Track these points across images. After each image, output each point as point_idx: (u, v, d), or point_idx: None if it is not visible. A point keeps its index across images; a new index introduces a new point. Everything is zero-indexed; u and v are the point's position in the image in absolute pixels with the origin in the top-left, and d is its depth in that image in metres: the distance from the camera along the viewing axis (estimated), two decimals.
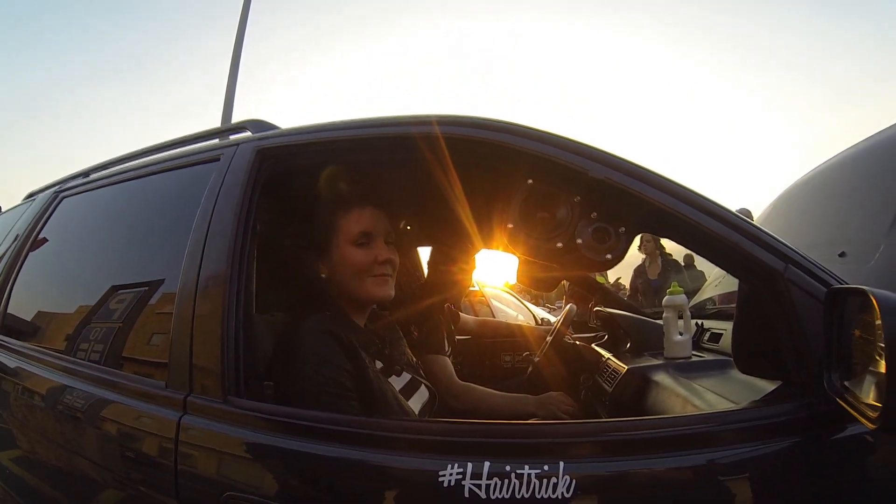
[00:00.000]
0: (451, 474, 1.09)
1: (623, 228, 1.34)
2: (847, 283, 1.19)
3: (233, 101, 10.63)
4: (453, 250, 2.75)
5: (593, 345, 3.02)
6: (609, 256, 1.34)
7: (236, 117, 9.99)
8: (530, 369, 3.05)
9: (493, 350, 3.57)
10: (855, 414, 1.04)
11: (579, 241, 1.34)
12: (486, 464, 1.09)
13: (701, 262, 6.50)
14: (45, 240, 2.42)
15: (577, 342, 3.18)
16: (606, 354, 2.63)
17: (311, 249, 1.68)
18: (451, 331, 2.90)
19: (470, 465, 1.09)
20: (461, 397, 2.32)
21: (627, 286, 6.86)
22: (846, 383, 1.10)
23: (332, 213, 1.68)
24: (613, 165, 1.29)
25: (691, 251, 1.46)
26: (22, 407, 2.01)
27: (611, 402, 2.23)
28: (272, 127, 1.79)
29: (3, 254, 2.53)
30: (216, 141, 1.97)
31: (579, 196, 1.34)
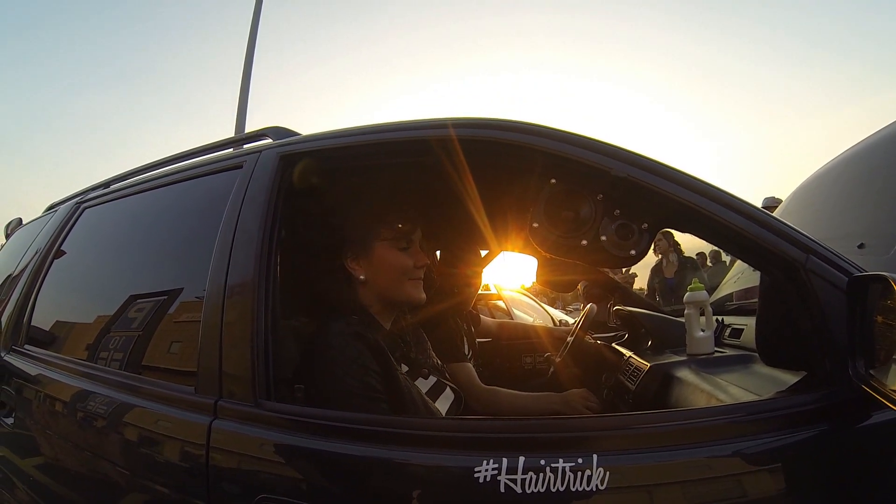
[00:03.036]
0: (486, 470, 1.10)
1: (646, 225, 1.35)
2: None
3: (246, 108, 10.69)
4: (466, 253, 2.77)
5: (614, 344, 3.01)
6: (633, 252, 1.36)
7: (249, 125, 10.04)
8: (552, 370, 3.05)
9: (514, 352, 3.58)
10: (882, 400, 1.04)
11: (603, 238, 1.35)
12: (521, 459, 1.09)
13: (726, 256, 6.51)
14: (67, 251, 2.44)
15: (598, 342, 3.18)
16: (628, 353, 2.63)
17: (346, 252, 1.70)
18: (472, 334, 2.90)
19: (505, 461, 1.10)
20: (485, 401, 2.32)
21: (644, 286, 6.86)
22: (871, 371, 1.11)
23: (375, 217, 1.70)
24: (634, 163, 1.31)
25: (713, 245, 1.48)
26: (49, 414, 2.03)
27: (634, 400, 2.23)
28: (293, 133, 1.80)
29: (27, 265, 2.55)
30: (231, 150, 1.99)
31: (602, 194, 1.36)
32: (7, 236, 3.48)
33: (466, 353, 2.59)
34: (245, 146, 1.91)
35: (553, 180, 1.39)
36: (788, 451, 1.15)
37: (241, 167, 1.72)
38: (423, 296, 1.75)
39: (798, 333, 1.26)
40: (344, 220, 1.72)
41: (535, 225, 1.39)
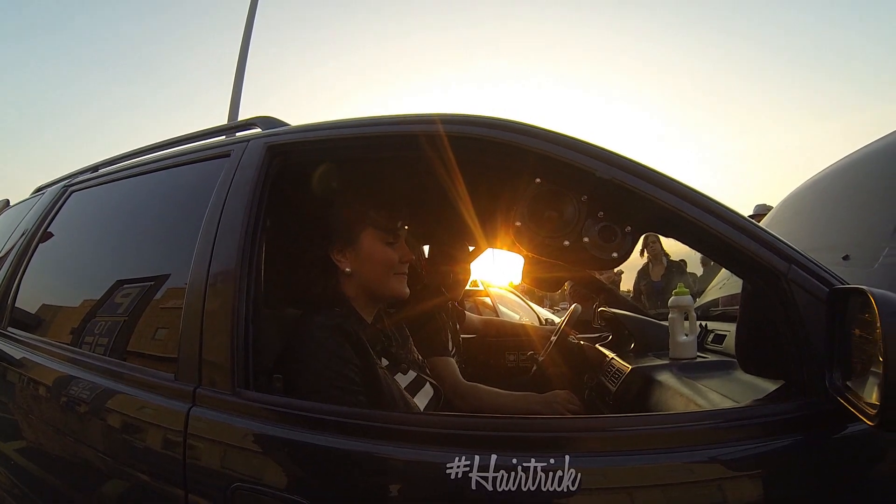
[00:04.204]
0: (458, 467, 1.10)
1: (629, 228, 1.35)
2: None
3: (239, 98, 10.64)
4: (454, 249, 2.77)
5: (597, 345, 3.02)
6: (615, 255, 1.36)
7: (242, 115, 9.99)
8: (534, 369, 3.05)
9: (498, 349, 3.57)
10: (855, 412, 1.05)
11: (586, 239, 1.35)
12: (493, 457, 1.10)
13: (693, 266, 6.52)
14: (53, 234, 2.43)
15: (582, 342, 3.18)
16: (610, 354, 2.64)
17: (332, 244, 1.70)
18: (456, 330, 2.91)
19: (477, 458, 1.10)
20: (466, 397, 2.32)
21: (631, 287, 6.85)
22: (847, 383, 1.11)
23: (362, 211, 1.70)
24: (620, 165, 1.31)
25: (696, 251, 1.48)
26: (30, 398, 2.02)
27: (615, 401, 2.24)
28: (282, 124, 1.80)
29: (12, 247, 2.54)
30: (223, 137, 1.99)
31: (586, 195, 1.36)
32: None
33: (450, 349, 2.59)
34: (237, 134, 1.90)
35: (538, 180, 1.39)
36: (764, 460, 1.16)
37: (228, 156, 1.71)
38: (407, 291, 1.76)
39: (777, 342, 1.26)
40: (331, 211, 1.72)
41: (518, 224, 1.39)
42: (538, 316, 7.94)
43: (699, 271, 6.79)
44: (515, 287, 8.87)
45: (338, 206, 1.73)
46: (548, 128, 1.36)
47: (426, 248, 2.92)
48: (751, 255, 1.24)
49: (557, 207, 1.39)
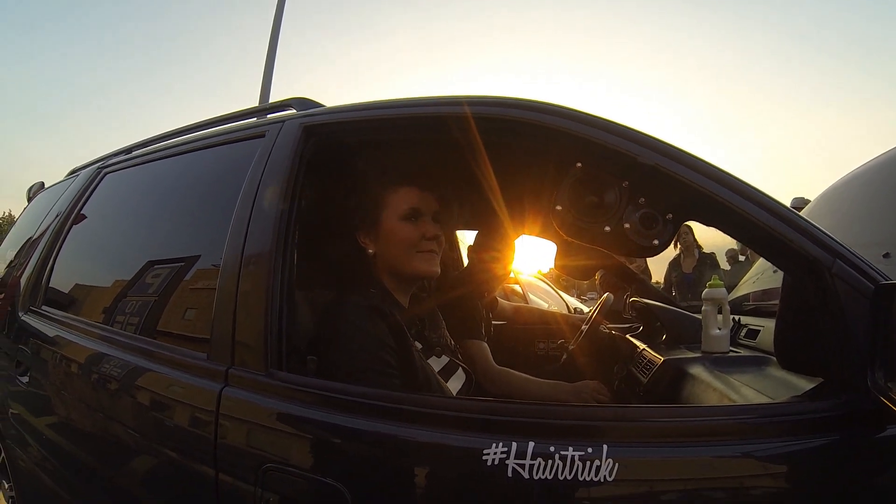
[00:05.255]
0: (495, 453, 1.09)
1: (670, 215, 1.32)
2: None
3: (270, 83, 10.69)
4: (494, 240, 2.74)
5: (628, 335, 2.98)
6: (656, 242, 1.33)
7: (273, 97, 10.00)
8: (564, 357, 3.04)
9: (528, 337, 3.55)
10: None
11: (627, 225, 1.33)
12: (531, 444, 1.08)
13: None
14: (87, 215, 2.46)
15: (613, 332, 3.15)
16: (641, 345, 2.60)
17: (357, 225, 1.69)
18: (489, 318, 2.90)
19: (514, 445, 1.09)
20: (497, 382, 2.32)
21: (660, 279, 6.80)
22: (890, 383, 1.08)
23: (381, 189, 1.69)
24: (663, 151, 1.28)
25: (738, 241, 1.45)
26: (63, 375, 2.05)
27: (645, 393, 2.20)
28: (317, 105, 1.79)
29: (47, 228, 2.58)
30: (254, 119, 1.99)
31: (628, 181, 1.33)
32: (29, 199, 3.52)
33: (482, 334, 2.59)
34: (268, 116, 1.90)
35: (579, 164, 1.37)
36: (799, 457, 1.14)
37: (263, 136, 1.71)
38: (437, 269, 1.72)
39: (818, 338, 1.23)
40: (357, 192, 1.72)
41: (559, 208, 1.37)
42: (567, 304, 7.90)
43: (727, 268, 6.72)
44: (544, 275, 8.84)
45: (361, 187, 1.73)
46: (590, 112, 1.34)
47: (472, 235, 2.91)
48: (795, 247, 1.20)
49: (598, 192, 1.36)
